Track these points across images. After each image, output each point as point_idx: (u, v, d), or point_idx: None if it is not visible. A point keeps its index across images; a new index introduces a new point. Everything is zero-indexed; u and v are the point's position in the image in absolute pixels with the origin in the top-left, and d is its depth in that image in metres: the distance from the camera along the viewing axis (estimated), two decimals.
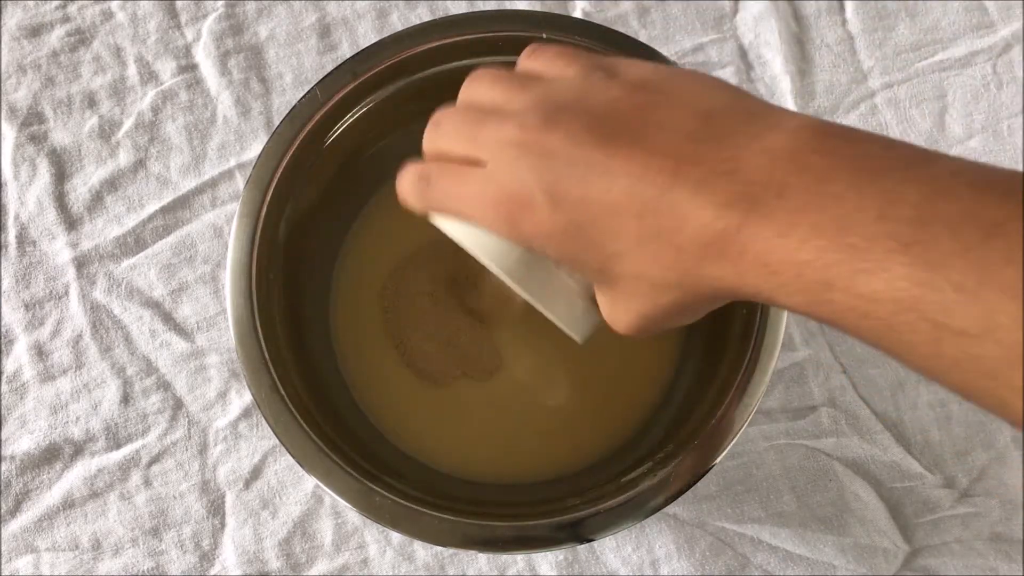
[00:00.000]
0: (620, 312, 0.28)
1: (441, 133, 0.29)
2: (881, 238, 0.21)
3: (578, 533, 0.36)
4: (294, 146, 0.40)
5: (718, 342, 0.40)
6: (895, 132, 0.50)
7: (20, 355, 0.48)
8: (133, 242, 0.49)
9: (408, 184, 0.30)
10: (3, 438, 0.47)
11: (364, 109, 0.41)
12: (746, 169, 0.23)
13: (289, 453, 0.37)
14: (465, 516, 0.36)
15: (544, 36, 0.40)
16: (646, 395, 0.44)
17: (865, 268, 0.21)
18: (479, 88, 0.29)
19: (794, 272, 0.23)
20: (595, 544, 0.46)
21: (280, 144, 0.40)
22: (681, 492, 0.36)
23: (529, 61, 0.30)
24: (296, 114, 0.40)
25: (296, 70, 0.51)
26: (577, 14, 0.51)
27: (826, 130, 0.24)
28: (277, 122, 0.43)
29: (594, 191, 0.25)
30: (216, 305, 0.48)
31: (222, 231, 0.49)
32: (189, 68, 0.51)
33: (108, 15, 0.52)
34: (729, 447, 0.36)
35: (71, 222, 0.49)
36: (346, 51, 0.51)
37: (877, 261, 0.21)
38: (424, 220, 0.31)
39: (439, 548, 0.45)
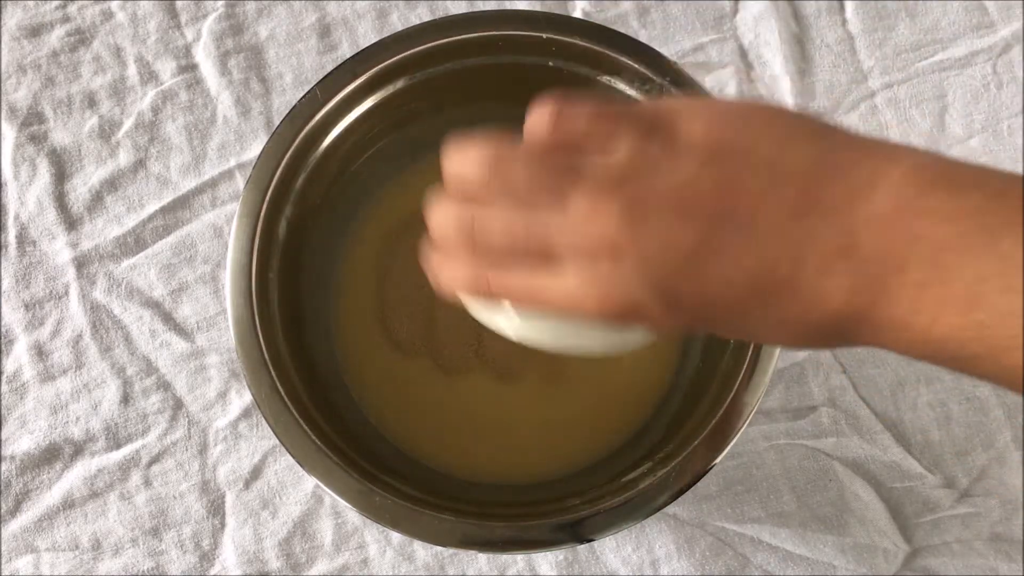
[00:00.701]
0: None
1: (487, 229, 0.26)
2: (1009, 316, 0.20)
3: (578, 533, 0.36)
4: (294, 146, 0.40)
5: (718, 342, 0.40)
6: (895, 132, 0.50)
7: (20, 355, 0.48)
8: (133, 242, 0.49)
9: (462, 284, 0.28)
10: (3, 438, 0.47)
11: (364, 109, 0.41)
12: (860, 245, 0.23)
13: (289, 453, 0.37)
14: (465, 516, 0.36)
15: (544, 36, 0.40)
16: (646, 395, 0.44)
17: (1005, 345, 0.21)
18: (515, 175, 0.26)
19: (934, 347, 0.22)
20: (595, 544, 0.46)
21: (280, 144, 0.40)
22: (681, 492, 0.36)
23: (561, 127, 0.26)
24: (296, 114, 0.40)
25: (296, 70, 0.51)
26: (577, 14, 0.51)
27: (927, 181, 0.22)
28: (277, 122, 0.43)
29: (711, 291, 0.24)
30: (216, 305, 0.48)
31: (222, 231, 0.49)
32: (189, 68, 0.51)
33: (108, 15, 0.52)
34: (729, 447, 0.36)
35: (71, 222, 0.49)
36: (346, 51, 0.51)
37: (1012, 338, 0.20)
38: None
39: (439, 548, 0.45)
